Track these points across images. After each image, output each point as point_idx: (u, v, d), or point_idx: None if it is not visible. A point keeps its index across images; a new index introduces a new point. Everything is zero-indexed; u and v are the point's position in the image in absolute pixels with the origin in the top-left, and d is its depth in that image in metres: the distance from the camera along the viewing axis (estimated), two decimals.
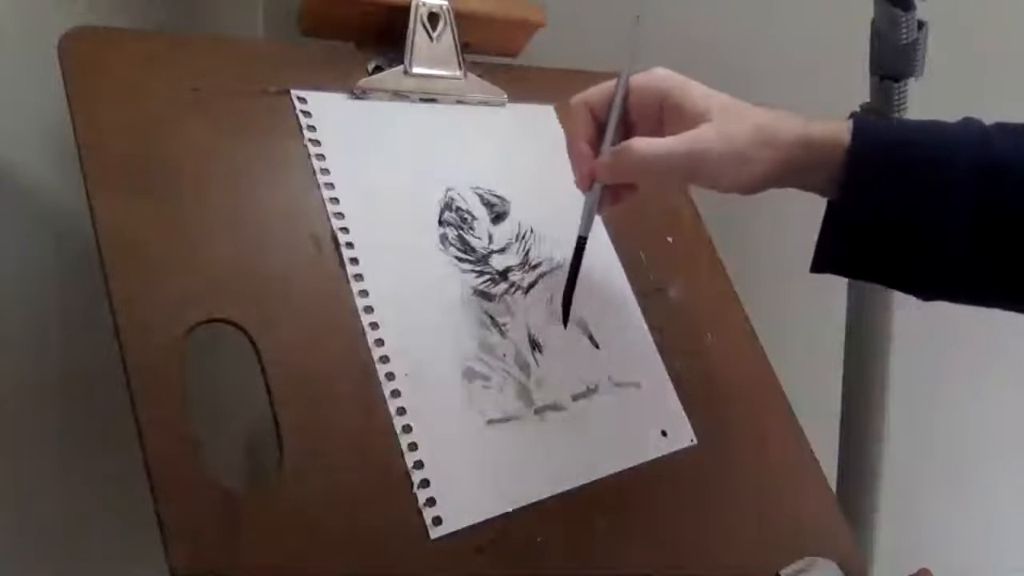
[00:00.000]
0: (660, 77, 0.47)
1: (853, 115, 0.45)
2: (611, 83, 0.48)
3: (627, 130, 0.48)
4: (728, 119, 0.44)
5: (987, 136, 0.43)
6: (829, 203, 0.46)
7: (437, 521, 0.42)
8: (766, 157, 0.44)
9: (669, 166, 0.45)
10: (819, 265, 0.47)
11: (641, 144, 0.45)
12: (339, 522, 0.40)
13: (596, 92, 0.49)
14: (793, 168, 0.44)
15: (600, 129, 0.48)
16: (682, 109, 0.45)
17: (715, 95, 0.45)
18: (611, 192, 0.50)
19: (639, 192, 0.51)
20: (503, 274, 0.52)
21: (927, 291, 0.46)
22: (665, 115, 0.46)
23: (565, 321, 0.51)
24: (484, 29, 0.59)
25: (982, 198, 0.41)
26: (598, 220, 0.58)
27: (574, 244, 0.50)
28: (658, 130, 0.47)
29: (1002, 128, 0.43)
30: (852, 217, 0.44)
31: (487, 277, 0.51)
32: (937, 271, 0.44)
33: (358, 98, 0.52)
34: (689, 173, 0.46)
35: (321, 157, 0.49)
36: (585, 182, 0.49)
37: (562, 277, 0.53)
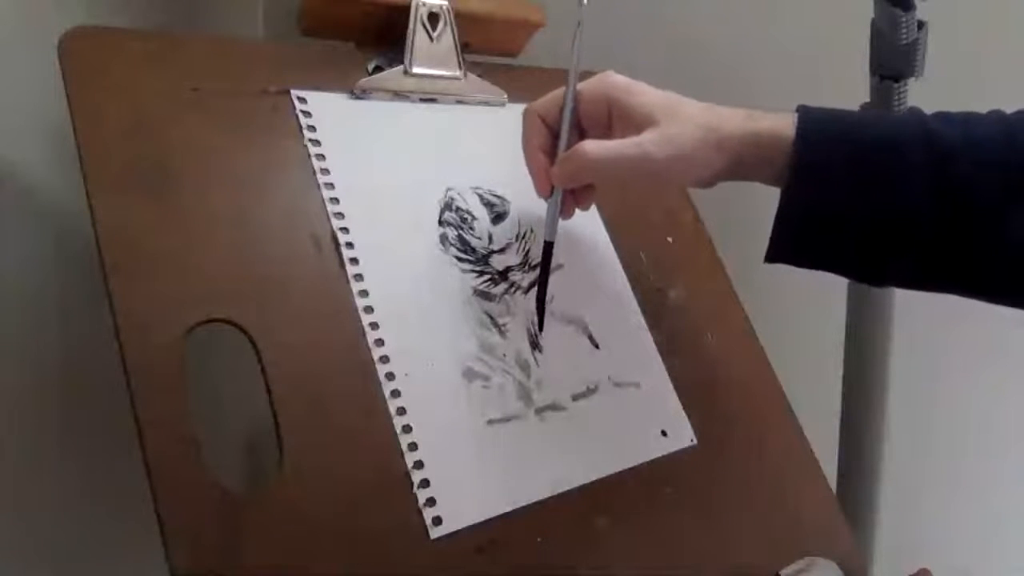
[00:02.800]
0: (607, 82, 0.48)
1: (799, 108, 0.45)
2: (561, 91, 0.49)
3: (580, 135, 0.49)
4: (672, 122, 0.45)
5: (930, 125, 0.43)
6: (782, 193, 0.46)
7: (437, 521, 0.42)
8: (713, 157, 0.45)
9: (619, 167, 0.46)
10: (772, 255, 0.47)
11: (591, 147, 0.46)
12: (339, 522, 0.40)
13: (546, 101, 0.50)
14: (742, 164, 0.45)
15: (554, 136, 0.49)
16: (629, 113, 0.46)
17: (661, 98, 0.46)
18: (573, 195, 0.51)
19: (597, 192, 0.52)
20: (503, 274, 0.52)
21: (879, 278, 0.47)
22: (613, 119, 0.47)
23: (540, 324, 0.51)
24: (484, 29, 0.59)
25: (934, 183, 0.42)
26: (598, 220, 0.59)
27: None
28: (608, 134, 0.48)
29: (943, 116, 0.44)
30: (801, 207, 0.45)
31: (487, 277, 0.51)
32: (888, 258, 0.45)
33: (358, 98, 0.52)
34: (638, 175, 0.47)
35: (321, 157, 0.49)
36: (544, 189, 0.49)
37: (561, 278, 0.53)
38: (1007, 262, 0.43)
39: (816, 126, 0.44)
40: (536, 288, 0.52)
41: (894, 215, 0.43)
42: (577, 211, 0.52)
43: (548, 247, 0.50)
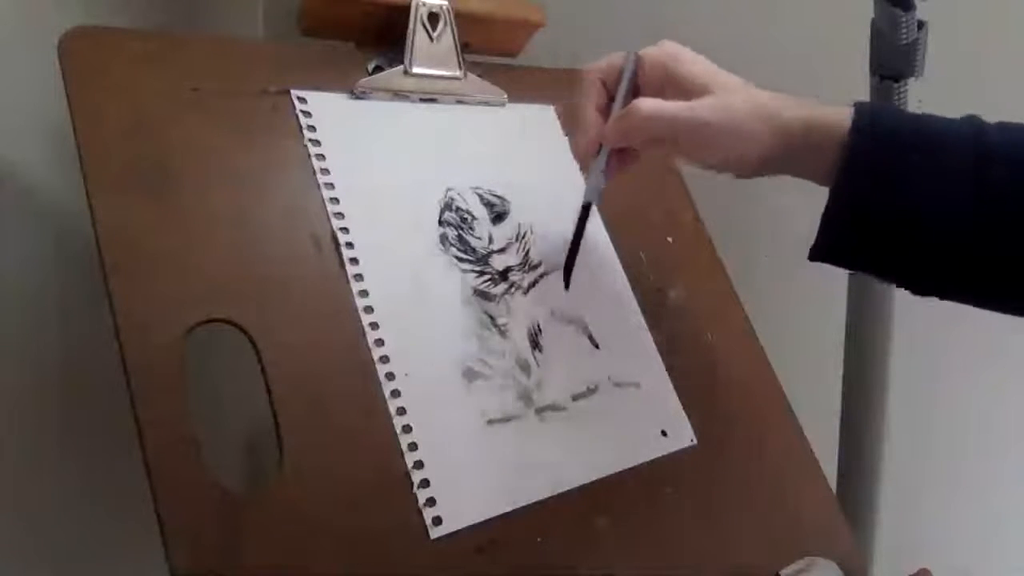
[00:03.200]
0: (667, 49, 0.48)
1: (856, 103, 0.44)
2: (620, 54, 0.49)
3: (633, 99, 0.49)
4: (729, 94, 0.45)
5: (983, 130, 0.43)
6: (830, 191, 0.45)
7: (437, 521, 0.42)
8: (765, 135, 0.44)
9: (672, 127, 0.46)
10: (816, 252, 0.47)
11: (647, 104, 0.46)
12: (339, 522, 0.40)
13: (606, 63, 0.50)
14: (792, 150, 0.44)
15: (610, 99, 0.49)
16: (685, 80, 0.46)
17: (716, 70, 0.46)
18: (615, 158, 0.50)
19: (640, 161, 0.52)
20: (503, 274, 0.52)
21: (922, 285, 0.45)
22: (668, 86, 0.47)
23: (567, 284, 0.51)
24: (484, 29, 0.59)
25: (979, 190, 0.41)
26: (598, 220, 0.59)
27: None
28: (661, 97, 0.47)
29: (1001, 126, 0.43)
30: (849, 204, 0.44)
31: (487, 277, 0.51)
32: (933, 263, 0.43)
33: (358, 98, 0.52)
34: (690, 138, 0.46)
35: (321, 157, 0.49)
36: (592, 147, 0.49)
37: (560, 277, 0.53)
38: None
39: (872, 119, 0.43)
40: (567, 252, 0.51)
41: (939, 218, 0.42)
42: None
43: (586, 209, 0.50)
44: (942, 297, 0.45)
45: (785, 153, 0.45)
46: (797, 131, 0.44)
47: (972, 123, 0.43)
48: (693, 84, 0.45)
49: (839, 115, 0.44)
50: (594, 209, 0.58)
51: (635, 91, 0.49)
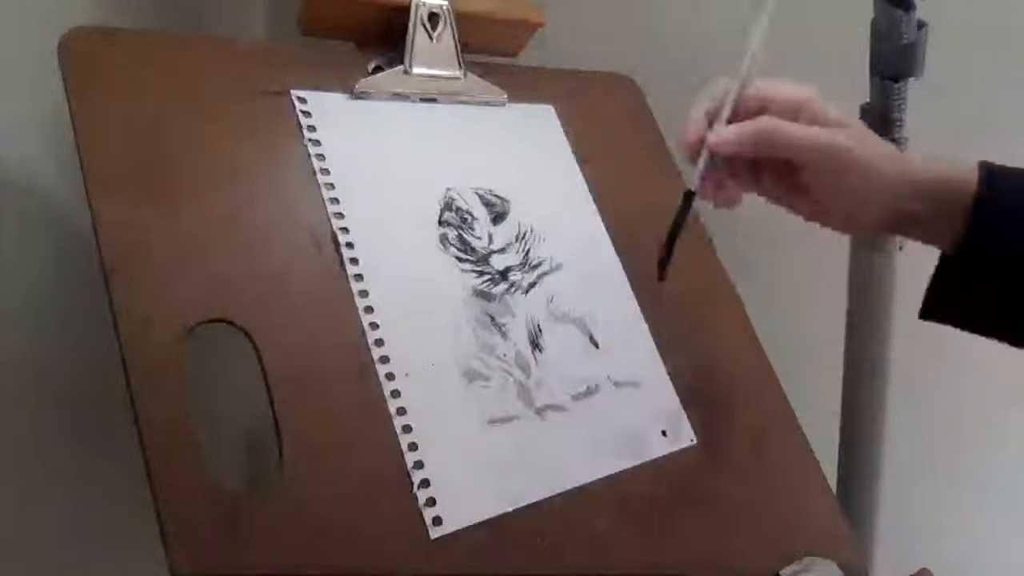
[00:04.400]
0: (804, 88, 0.46)
1: (980, 163, 0.44)
2: (758, 82, 0.47)
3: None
4: (867, 136, 0.44)
5: None
6: (955, 242, 0.44)
7: (437, 521, 0.42)
8: (898, 181, 0.44)
9: (812, 148, 0.44)
10: (929, 312, 0.46)
11: (779, 121, 0.44)
12: (339, 522, 0.40)
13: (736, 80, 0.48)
14: (915, 206, 0.44)
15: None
16: (821, 120, 0.44)
17: (854, 119, 0.45)
18: (719, 183, 0.48)
19: (741, 200, 0.50)
20: (503, 274, 0.52)
21: None
22: (802, 121, 0.45)
23: (662, 275, 0.50)
24: (484, 29, 0.59)
25: None
26: (598, 220, 0.58)
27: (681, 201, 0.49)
28: None
29: None
30: (975, 267, 0.43)
31: (487, 277, 0.51)
32: None
33: (358, 98, 0.52)
34: (823, 163, 0.44)
35: (321, 157, 0.49)
36: (690, 146, 0.47)
37: (561, 278, 0.53)
38: None
39: (1001, 177, 0.43)
40: (667, 239, 0.50)
41: None
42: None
43: (689, 196, 0.48)
44: None
45: (912, 207, 0.44)
46: (927, 187, 0.43)
47: None
48: (831, 119, 0.44)
49: (966, 172, 0.43)
50: (594, 209, 0.58)
51: (739, 117, 0.47)
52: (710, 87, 0.48)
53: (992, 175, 0.43)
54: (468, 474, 0.45)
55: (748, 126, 0.45)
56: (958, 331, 0.46)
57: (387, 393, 0.44)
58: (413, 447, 0.43)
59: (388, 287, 0.47)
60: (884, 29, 0.58)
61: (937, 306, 0.46)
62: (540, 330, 0.52)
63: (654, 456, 0.52)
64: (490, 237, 0.53)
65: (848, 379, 0.72)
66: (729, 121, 0.46)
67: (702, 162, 0.47)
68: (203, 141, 0.45)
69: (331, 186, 0.48)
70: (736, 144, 0.46)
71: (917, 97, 0.61)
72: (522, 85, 0.60)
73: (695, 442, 0.54)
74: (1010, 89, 0.83)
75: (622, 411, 0.52)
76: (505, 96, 0.59)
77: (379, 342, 0.45)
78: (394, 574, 0.41)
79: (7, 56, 0.51)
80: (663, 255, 0.50)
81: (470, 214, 0.53)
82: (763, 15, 0.48)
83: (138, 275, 0.40)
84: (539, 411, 0.49)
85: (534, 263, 0.54)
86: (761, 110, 0.46)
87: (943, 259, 0.45)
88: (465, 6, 0.56)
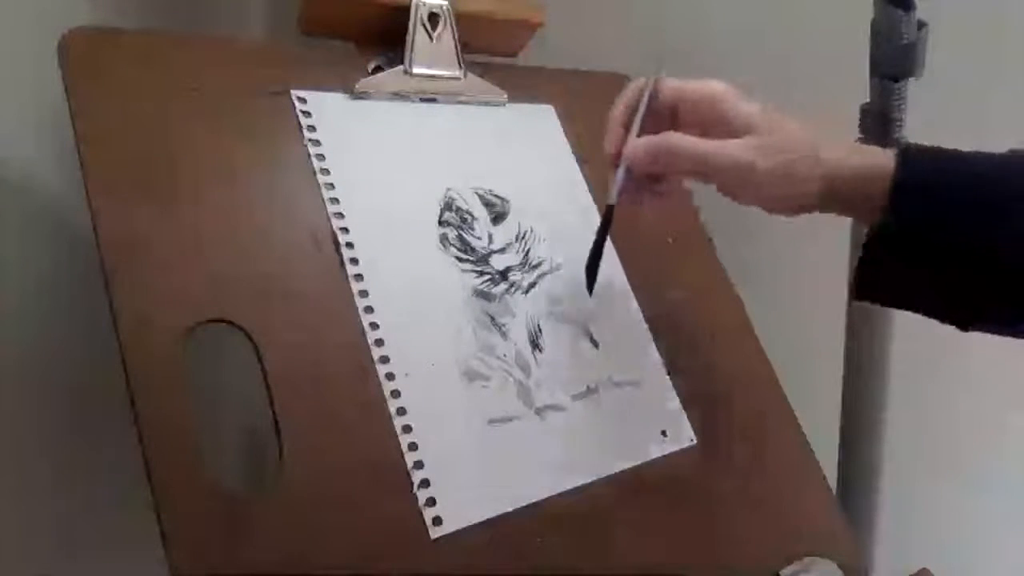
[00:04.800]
0: (715, 86, 0.46)
1: (898, 144, 0.44)
2: (667, 79, 0.48)
3: (673, 128, 0.48)
4: (777, 136, 0.44)
5: None
6: (870, 230, 0.45)
7: (437, 521, 0.42)
8: (811, 177, 0.44)
9: (704, 164, 0.45)
10: (861, 292, 0.47)
11: (681, 138, 0.45)
12: (339, 522, 0.40)
13: (633, 87, 0.49)
14: (836, 191, 0.44)
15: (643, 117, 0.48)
16: (730, 121, 0.45)
17: (766, 111, 0.45)
18: (640, 190, 0.49)
19: (670, 199, 0.50)
20: (503, 274, 0.52)
21: (968, 320, 0.45)
22: (712, 124, 0.46)
23: (590, 289, 0.50)
24: (484, 29, 0.59)
25: None
26: (598, 220, 0.58)
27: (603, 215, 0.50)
28: (704, 134, 0.46)
29: None
30: (899, 247, 0.44)
31: (487, 277, 0.51)
32: (981, 297, 0.43)
33: (358, 98, 0.52)
34: (724, 177, 0.45)
35: (321, 157, 0.49)
36: (612, 158, 0.48)
37: (561, 278, 0.53)
38: None
39: (918, 158, 0.43)
40: (590, 253, 0.50)
41: (993, 258, 0.42)
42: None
43: (609, 210, 0.49)
44: (992, 332, 0.45)
45: (831, 194, 0.44)
46: (845, 176, 0.44)
47: (1021, 158, 0.43)
48: (741, 122, 0.44)
49: (884, 157, 0.43)
50: (594, 209, 0.58)
51: (675, 121, 0.48)
52: (625, 91, 0.48)
53: (908, 160, 0.43)
54: (468, 474, 0.45)
55: (651, 143, 0.46)
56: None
57: (387, 393, 0.44)
58: (413, 447, 0.43)
59: (388, 287, 0.47)
60: (884, 29, 0.58)
61: (869, 286, 0.46)
62: (540, 330, 0.52)
63: (654, 456, 0.52)
64: (490, 237, 0.53)
65: (848, 379, 0.72)
66: (643, 129, 0.47)
67: (620, 174, 0.48)
68: (203, 141, 0.45)
69: (331, 186, 0.48)
70: (643, 162, 0.47)
71: (917, 97, 0.61)
72: (522, 85, 0.60)
73: (695, 442, 0.54)
74: (1010, 89, 0.83)
75: (622, 411, 0.52)
76: (505, 96, 0.59)
77: (379, 342, 0.45)
78: (394, 574, 0.41)
79: (7, 56, 0.51)
80: (589, 271, 0.50)
81: (470, 214, 0.53)
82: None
83: (138, 275, 0.40)
84: (539, 411, 0.49)
85: (534, 263, 0.54)
86: (674, 111, 0.47)
87: (871, 237, 0.45)
88: (465, 6, 0.56)
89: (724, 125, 0.45)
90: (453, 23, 0.55)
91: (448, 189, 0.53)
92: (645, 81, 0.48)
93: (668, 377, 0.56)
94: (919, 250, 0.43)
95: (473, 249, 0.52)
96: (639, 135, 0.47)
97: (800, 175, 0.44)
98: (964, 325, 0.45)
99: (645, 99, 0.47)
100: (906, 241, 0.43)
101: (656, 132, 0.47)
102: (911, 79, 0.60)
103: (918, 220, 0.43)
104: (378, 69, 0.54)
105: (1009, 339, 0.45)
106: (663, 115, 0.48)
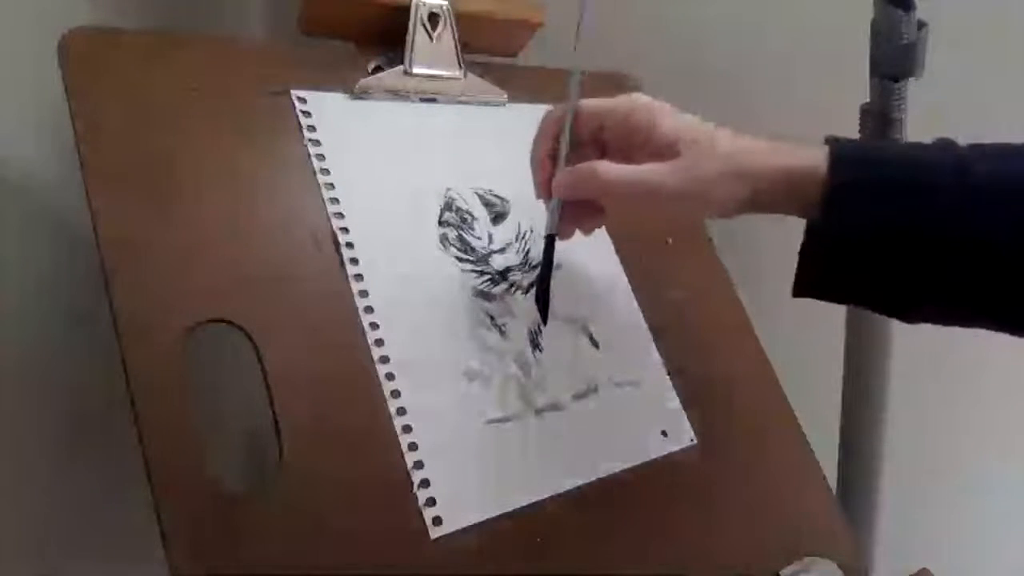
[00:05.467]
0: (635, 104, 0.46)
1: (828, 140, 0.45)
2: (587, 101, 0.48)
3: (600, 151, 0.48)
4: (694, 153, 0.44)
5: (964, 160, 0.43)
6: (808, 226, 0.46)
7: (437, 521, 0.42)
8: (734, 191, 0.44)
9: (631, 192, 0.45)
10: (801, 289, 0.47)
11: (604, 167, 0.45)
12: (339, 522, 0.40)
13: (565, 109, 0.49)
14: (768, 198, 0.45)
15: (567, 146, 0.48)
16: (653, 140, 0.45)
17: (686, 126, 0.45)
18: (576, 219, 0.49)
19: (607, 217, 0.50)
20: (503, 274, 0.52)
21: (911, 315, 0.46)
22: (636, 143, 0.46)
23: (544, 318, 0.51)
24: (484, 29, 0.59)
25: (966, 220, 0.41)
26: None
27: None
28: (629, 155, 0.47)
29: (978, 150, 0.43)
30: (835, 245, 0.44)
31: (487, 277, 0.51)
32: (923, 296, 0.44)
33: (358, 98, 0.52)
34: (651, 203, 0.46)
35: (321, 157, 0.49)
36: (544, 193, 0.49)
37: (561, 278, 0.53)
38: None
39: (849, 157, 0.43)
40: (536, 285, 0.51)
41: (926, 249, 0.42)
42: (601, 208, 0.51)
43: (549, 240, 0.49)
44: (937, 323, 0.45)
45: (759, 201, 0.45)
46: (773, 182, 0.44)
47: (952, 152, 0.44)
48: (663, 142, 0.44)
49: (815, 156, 0.44)
50: None
51: (598, 143, 0.48)
52: (545, 123, 0.49)
53: (840, 160, 0.43)
54: (468, 474, 0.45)
55: (569, 176, 0.46)
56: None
57: (387, 393, 0.44)
58: (413, 447, 0.43)
59: (388, 287, 0.47)
60: (884, 29, 0.58)
61: (810, 283, 0.46)
62: (540, 330, 0.52)
63: (654, 456, 0.52)
64: (490, 237, 0.53)
65: (848, 379, 0.72)
66: (571, 158, 0.47)
67: (555, 203, 0.48)
68: (203, 141, 0.45)
69: (331, 186, 0.48)
70: (566, 192, 0.47)
71: (917, 97, 0.61)
72: (522, 85, 0.60)
73: (695, 442, 0.54)
74: (1009, 89, 0.83)
75: (622, 411, 0.52)
76: (505, 96, 0.59)
77: (379, 342, 0.45)
78: (394, 574, 0.41)
79: (7, 56, 0.51)
80: (539, 300, 0.51)
81: (470, 214, 0.53)
82: (576, 38, 0.49)
83: (138, 275, 0.40)
84: (539, 411, 0.49)
85: (534, 263, 0.54)
86: (598, 132, 0.48)
87: (807, 237, 0.46)
88: (465, 6, 0.56)
89: (647, 146, 0.45)
90: (453, 23, 0.55)
91: (448, 189, 0.53)
92: (563, 109, 0.48)
93: (668, 377, 0.56)
94: (857, 246, 0.44)
95: (473, 249, 0.52)
96: (568, 163, 0.47)
97: (720, 191, 0.44)
98: (906, 317, 0.46)
99: (567, 129, 0.47)
100: (842, 238, 0.44)
101: (586, 158, 0.47)
102: (911, 79, 0.60)
103: (854, 218, 0.43)
104: (378, 69, 0.54)
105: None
106: (590, 141, 0.48)
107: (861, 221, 0.43)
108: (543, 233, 0.50)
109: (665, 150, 0.44)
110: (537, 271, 0.53)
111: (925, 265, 0.43)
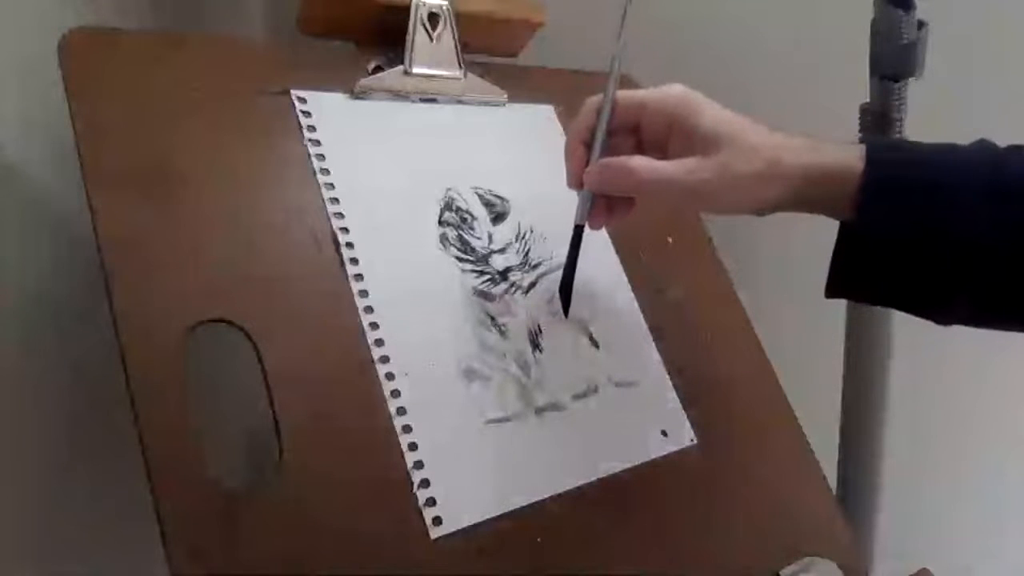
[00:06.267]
0: (675, 96, 0.45)
1: (864, 140, 0.45)
2: (626, 92, 0.47)
3: (637, 143, 0.48)
4: (732, 151, 0.43)
5: (1001, 158, 0.42)
6: (842, 228, 0.45)
7: (437, 521, 0.42)
8: (770, 189, 0.44)
9: (668, 191, 0.45)
10: (834, 290, 0.47)
11: (641, 164, 0.45)
12: (339, 522, 0.40)
13: (593, 103, 0.48)
14: (803, 196, 0.44)
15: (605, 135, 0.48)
16: (689, 133, 0.44)
17: (725, 122, 0.44)
18: (608, 208, 0.49)
19: (637, 208, 0.50)
20: (503, 274, 0.52)
21: (944, 316, 0.45)
22: (673, 135, 0.45)
23: (566, 311, 0.50)
24: (484, 29, 0.59)
25: (999, 221, 0.41)
26: None
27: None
28: (665, 147, 0.46)
29: (1017, 150, 0.43)
30: (868, 245, 0.44)
31: (487, 277, 0.51)
32: (956, 296, 0.43)
33: (358, 98, 0.52)
34: (688, 201, 0.46)
35: (321, 157, 0.49)
36: (573, 182, 0.48)
37: (560, 277, 0.53)
38: None
39: (885, 158, 0.43)
40: (562, 273, 0.51)
41: (960, 250, 0.42)
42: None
43: (578, 230, 0.49)
44: (974, 325, 0.45)
45: (796, 199, 0.44)
46: (809, 180, 0.44)
47: (989, 152, 0.43)
48: (701, 138, 0.44)
49: (851, 156, 0.43)
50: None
51: (636, 130, 0.47)
52: (582, 111, 0.48)
53: (874, 161, 0.43)
54: (468, 474, 0.45)
55: (604, 168, 0.46)
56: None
57: (387, 393, 0.44)
58: (413, 447, 0.43)
59: (388, 287, 0.47)
60: (884, 29, 0.58)
61: (843, 284, 0.46)
62: (540, 330, 0.52)
63: (654, 456, 0.52)
64: (490, 237, 0.53)
65: (848, 379, 0.72)
66: (607, 147, 0.47)
67: (585, 194, 0.48)
68: (203, 141, 0.45)
69: (331, 186, 0.48)
70: (598, 186, 0.47)
71: (917, 97, 0.61)
72: (522, 85, 0.60)
73: (695, 442, 0.54)
74: (1010, 89, 0.83)
75: (622, 411, 0.52)
76: (505, 96, 0.59)
77: (379, 342, 0.45)
78: (394, 574, 0.41)
79: (7, 56, 0.51)
80: (563, 291, 0.51)
81: (470, 214, 0.53)
82: (623, 30, 0.49)
83: (138, 275, 0.40)
84: (539, 411, 0.49)
85: (534, 263, 0.54)
86: (637, 126, 0.47)
87: (843, 236, 0.45)
88: (465, 6, 0.56)
89: (684, 139, 0.45)
90: (453, 23, 0.55)
91: (448, 189, 0.53)
92: (601, 99, 0.47)
93: (668, 377, 0.56)
94: (890, 246, 0.43)
95: (473, 249, 0.52)
96: (604, 154, 0.47)
97: (757, 190, 0.44)
98: (939, 318, 0.46)
99: (604, 117, 0.47)
100: (877, 238, 0.44)
101: (621, 147, 0.47)
102: (911, 79, 0.60)
103: (888, 218, 0.43)
104: (378, 69, 0.54)
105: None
106: (626, 129, 0.48)
107: (895, 220, 0.43)
108: (574, 222, 0.49)
109: (702, 145, 0.44)
110: (536, 270, 0.53)
111: (957, 266, 0.42)
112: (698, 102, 0.45)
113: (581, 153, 0.48)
